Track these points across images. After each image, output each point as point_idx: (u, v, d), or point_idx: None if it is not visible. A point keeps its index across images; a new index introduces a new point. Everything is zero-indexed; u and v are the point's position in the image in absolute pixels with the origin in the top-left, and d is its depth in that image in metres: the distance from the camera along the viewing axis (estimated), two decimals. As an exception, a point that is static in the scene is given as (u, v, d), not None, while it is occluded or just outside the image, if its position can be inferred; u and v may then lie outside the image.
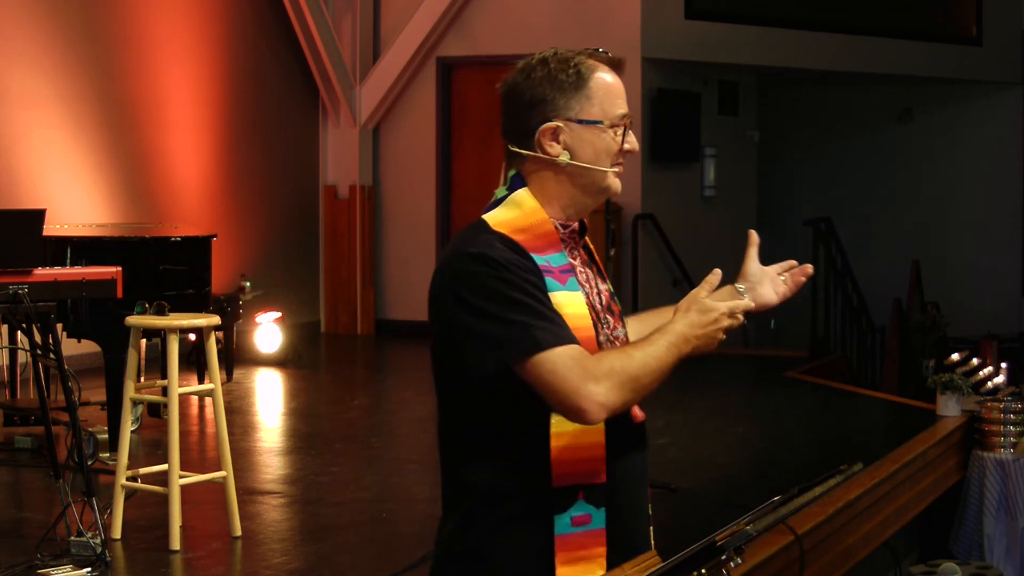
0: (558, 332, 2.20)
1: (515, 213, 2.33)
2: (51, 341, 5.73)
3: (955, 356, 7.62)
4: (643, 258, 11.24)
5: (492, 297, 2.21)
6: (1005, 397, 7.33)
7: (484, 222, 2.32)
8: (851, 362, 11.39)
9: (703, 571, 2.24)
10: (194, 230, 7.93)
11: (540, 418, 2.27)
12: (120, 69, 10.02)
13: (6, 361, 7.53)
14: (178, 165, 10.53)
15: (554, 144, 2.34)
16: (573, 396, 2.17)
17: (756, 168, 13.21)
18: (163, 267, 6.71)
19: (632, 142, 2.39)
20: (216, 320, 5.35)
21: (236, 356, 9.39)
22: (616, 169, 2.38)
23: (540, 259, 2.29)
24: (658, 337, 2.26)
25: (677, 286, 11.60)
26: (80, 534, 4.83)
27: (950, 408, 7.46)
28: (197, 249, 6.97)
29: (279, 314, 10.23)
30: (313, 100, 12.00)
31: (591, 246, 2.49)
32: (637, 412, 2.41)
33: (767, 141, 13.36)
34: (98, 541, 4.77)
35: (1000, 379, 7.62)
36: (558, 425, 2.26)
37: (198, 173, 10.73)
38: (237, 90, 11.12)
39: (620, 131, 2.36)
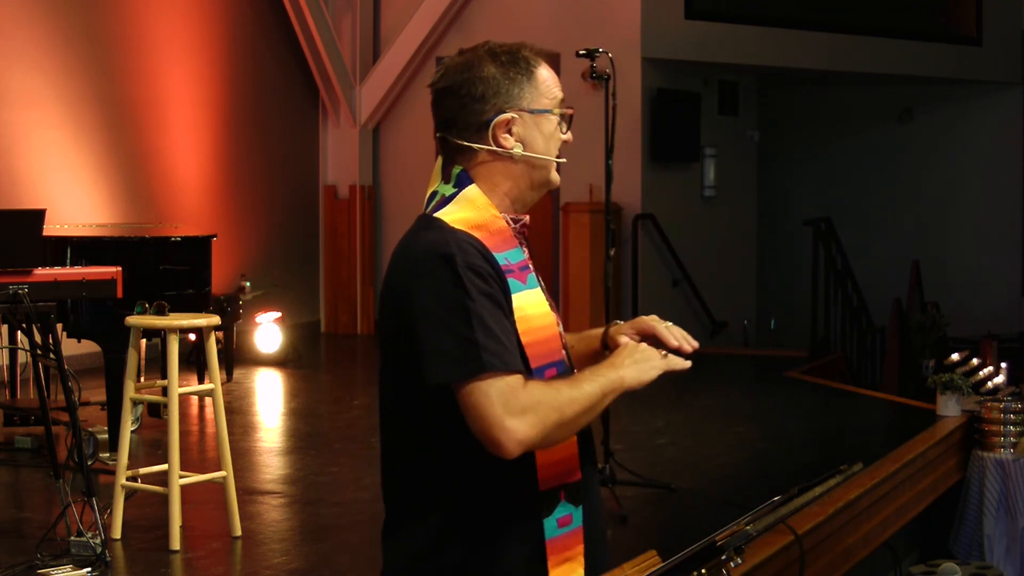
0: (504, 356, 2.14)
1: (469, 211, 2.28)
2: (51, 341, 5.73)
3: (955, 356, 7.62)
4: (643, 258, 11.24)
5: (453, 308, 2.14)
6: (1005, 397, 7.33)
7: (438, 219, 2.26)
8: (851, 362, 11.38)
9: (703, 571, 2.24)
10: (194, 230, 7.93)
11: None
12: (120, 69, 10.02)
13: (6, 361, 7.53)
14: (178, 165, 10.53)
15: (508, 136, 2.32)
16: (495, 428, 2.11)
17: (756, 168, 13.21)
18: (163, 267, 6.71)
19: (568, 134, 2.39)
20: (216, 320, 5.35)
21: (236, 356, 9.39)
22: (562, 160, 2.38)
23: (500, 257, 2.25)
24: (591, 376, 2.22)
25: (677, 286, 11.61)
26: (80, 534, 4.83)
27: (950, 408, 7.46)
28: (197, 249, 6.97)
29: (279, 314, 10.23)
30: (313, 100, 12.00)
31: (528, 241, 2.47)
32: None
33: (767, 141, 13.36)
34: (98, 541, 4.77)
35: (1000, 379, 7.62)
36: None
37: (198, 173, 10.73)
38: (237, 90, 11.12)
39: (564, 120, 2.37)
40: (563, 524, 2.27)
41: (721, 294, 12.12)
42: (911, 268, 12.64)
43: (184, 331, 5.68)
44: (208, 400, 7.53)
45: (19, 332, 6.51)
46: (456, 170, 2.34)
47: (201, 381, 8.13)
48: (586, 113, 9.93)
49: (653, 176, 11.30)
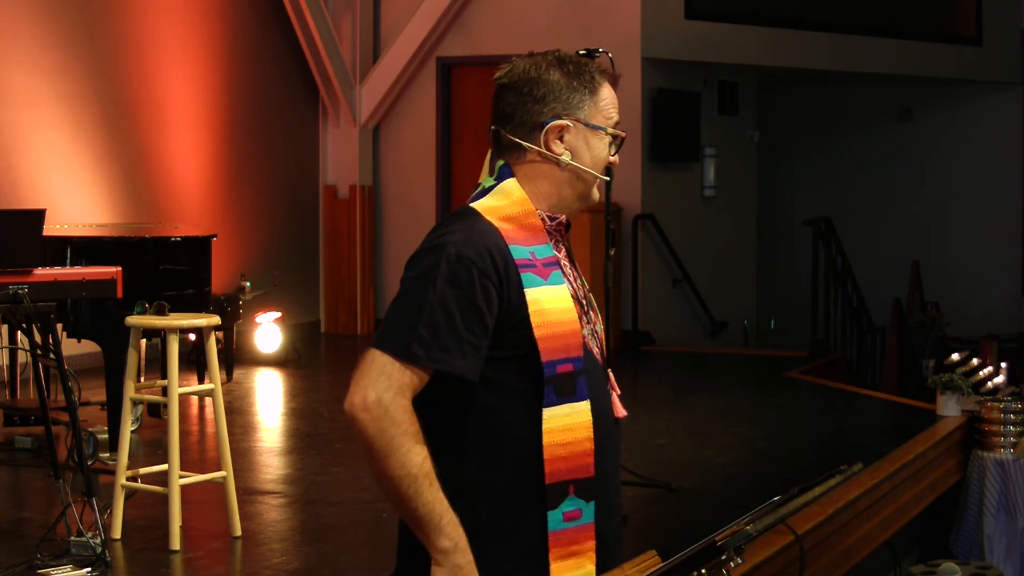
0: (432, 353, 2.18)
1: (503, 202, 2.34)
2: (51, 341, 5.73)
3: (955, 356, 7.62)
4: (643, 258, 11.24)
5: (416, 291, 2.21)
6: (1005, 397, 7.33)
7: (472, 209, 2.32)
8: (851, 362, 11.39)
9: (703, 571, 2.25)
10: (194, 230, 7.93)
11: (530, 413, 2.26)
12: (120, 69, 10.02)
13: (6, 361, 7.53)
14: (178, 165, 10.53)
15: (558, 143, 2.36)
16: (355, 387, 2.16)
17: (756, 168, 13.21)
18: (163, 267, 6.71)
19: (616, 157, 2.43)
20: (216, 320, 5.35)
21: (236, 356, 9.39)
22: (606, 178, 2.42)
23: (522, 251, 2.29)
24: (435, 517, 2.19)
25: (677, 286, 11.61)
26: (80, 534, 4.83)
27: (950, 408, 7.46)
28: (197, 249, 6.97)
29: (279, 314, 10.23)
30: (313, 100, 12.00)
31: (569, 242, 2.51)
32: (619, 409, 2.42)
33: (767, 141, 13.36)
34: (98, 541, 4.77)
35: (1000, 379, 7.63)
36: (550, 421, 2.26)
37: (198, 173, 10.73)
38: (237, 90, 11.13)
39: (616, 142, 2.41)
40: (570, 518, 2.28)
41: (721, 294, 12.12)
42: (911, 268, 12.65)
43: (184, 331, 5.68)
44: (208, 400, 7.53)
45: (19, 332, 6.51)
46: (500, 163, 2.40)
47: (201, 381, 8.13)
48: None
49: (653, 176, 11.30)
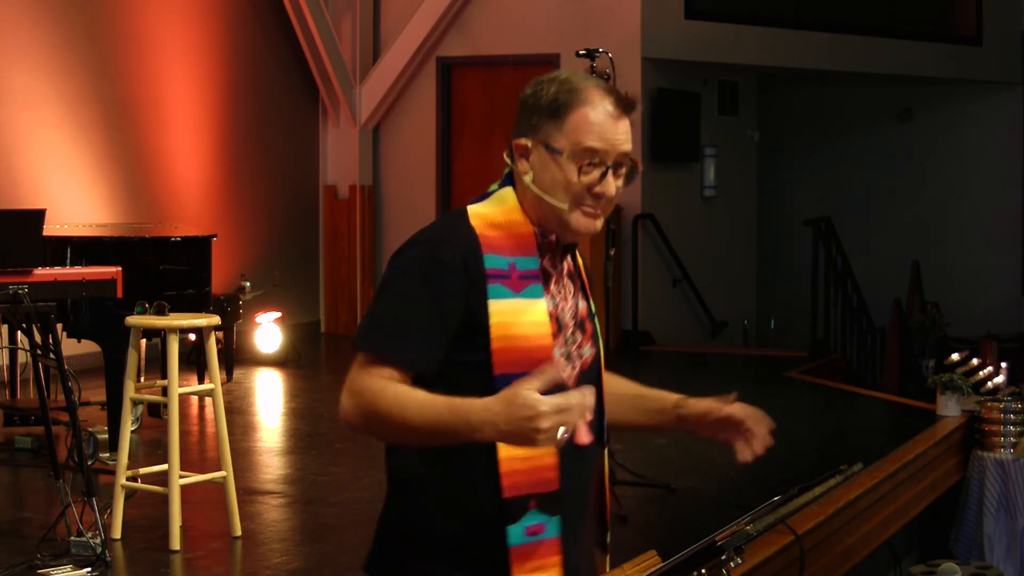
0: (392, 344, 2.21)
1: (496, 208, 2.33)
2: (51, 341, 5.73)
3: (955, 356, 7.62)
4: (643, 258, 11.24)
5: (387, 286, 2.27)
6: (1005, 397, 7.33)
7: (464, 211, 2.32)
8: (851, 362, 11.39)
9: (703, 571, 2.25)
10: (194, 230, 7.93)
11: None
12: (120, 69, 10.02)
13: (6, 361, 7.53)
14: (178, 165, 10.53)
15: (523, 160, 2.33)
16: (342, 395, 2.22)
17: (756, 168, 13.21)
18: (163, 267, 6.71)
19: (606, 186, 2.30)
20: (216, 320, 5.35)
21: (236, 356, 9.39)
22: (584, 209, 2.30)
23: (500, 260, 2.27)
24: (450, 402, 2.12)
25: (677, 286, 11.61)
26: (80, 534, 4.83)
27: (950, 408, 7.46)
28: (197, 249, 6.97)
29: (279, 314, 10.23)
30: (313, 100, 12.00)
31: (580, 260, 2.45)
32: (582, 434, 2.31)
33: (767, 141, 13.36)
34: (98, 541, 4.77)
35: (1000, 379, 7.62)
36: None
37: (198, 173, 10.73)
38: (237, 90, 11.12)
39: (586, 168, 2.28)
40: (532, 533, 2.24)
41: (721, 294, 12.12)
42: (911, 268, 12.65)
43: (184, 331, 5.68)
44: (208, 400, 7.53)
45: (19, 332, 6.50)
46: (506, 171, 2.39)
47: (201, 381, 8.13)
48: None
49: (653, 176, 11.30)
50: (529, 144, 2.31)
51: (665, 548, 2.41)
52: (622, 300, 11.04)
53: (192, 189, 10.66)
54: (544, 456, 2.23)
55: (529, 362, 2.22)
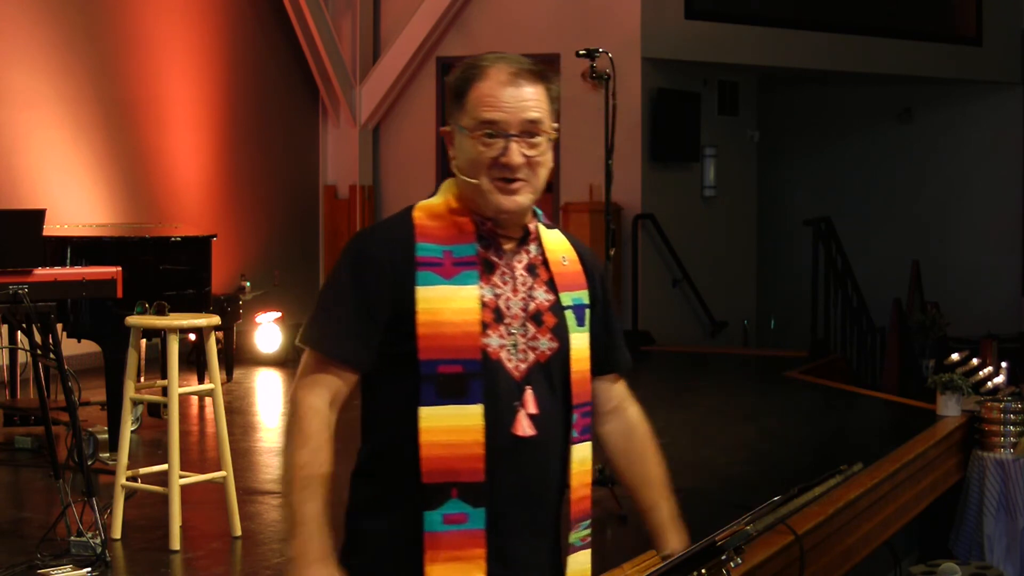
0: (324, 341, 2.32)
1: (440, 199, 2.37)
2: (51, 341, 5.73)
3: (955, 356, 7.62)
4: (643, 258, 11.24)
5: (326, 284, 2.41)
6: (1005, 397, 7.33)
7: (413, 205, 2.37)
8: (851, 362, 11.38)
9: (703, 571, 2.25)
10: (194, 230, 7.93)
11: (408, 409, 2.25)
12: (120, 69, 10.02)
13: (6, 361, 7.53)
14: (178, 165, 10.53)
15: (451, 147, 2.36)
16: (295, 385, 2.35)
17: (756, 168, 13.21)
18: (163, 267, 6.71)
19: (510, 155, 2.26)
20: (216, 320, 5.35)
21: (236, 356, 9.39)
22: (497, 183, 2.27)
23: (433, 249, 2.28)
24: (303, 510, 2.54)
25: (677, 286, 11.61)
26: (80, 534, 4.83)
27: (950, 408, 7.46)
28: (197, 249, 6.97)
29: (279, 314, 10.23)
30: (313, 100, 12.00)
31: (548, 253, 2.37)
32: (521, 426, 2.27)
33: (767, 141, 13.36)
34: (98, 541, 4.77)
35: (1000, 379, 7.62)
36: (428, 420, 2.23)
37: (198, 173, 10.73)
38: (237, 90, 11.13)
39: (486, 140, 2.27)
40: (451, 521, 2.23)
41: (721, 294, 12.12)
42: (911, 268, 12.65)
43: (184, 331, 5.68)
44: (208, 400, 7.53)
45: (19, 332, 6.50)
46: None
47: (201, 381, 8.13)
48: (586, 113, 9.93)
49: (653, 176, 11.30)
50: (448, 129, 2.35)
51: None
52: (622, 300, 11.04)
53: (192, 189, 10.67)
54: (469, 445, 2.23)
55: (456, 349, 2.23)
